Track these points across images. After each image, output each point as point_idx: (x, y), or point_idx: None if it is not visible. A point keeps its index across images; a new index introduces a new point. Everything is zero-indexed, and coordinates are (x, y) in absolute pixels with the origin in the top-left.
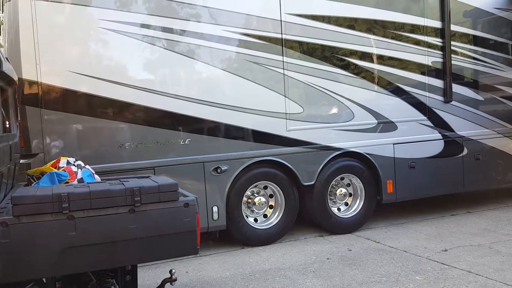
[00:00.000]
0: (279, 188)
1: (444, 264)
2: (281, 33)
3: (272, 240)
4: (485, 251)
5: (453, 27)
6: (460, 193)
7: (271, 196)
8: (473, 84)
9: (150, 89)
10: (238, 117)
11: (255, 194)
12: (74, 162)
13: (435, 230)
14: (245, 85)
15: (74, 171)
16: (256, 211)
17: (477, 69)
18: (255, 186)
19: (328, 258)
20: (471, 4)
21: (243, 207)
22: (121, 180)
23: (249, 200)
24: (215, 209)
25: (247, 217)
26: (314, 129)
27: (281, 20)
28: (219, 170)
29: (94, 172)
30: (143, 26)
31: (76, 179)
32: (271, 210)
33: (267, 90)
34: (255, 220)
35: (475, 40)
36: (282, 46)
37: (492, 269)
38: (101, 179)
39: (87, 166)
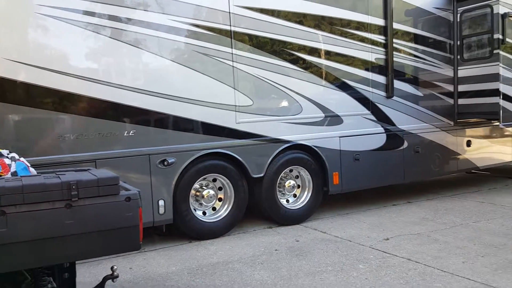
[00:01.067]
0: (228, 181)
1: (385, 252)
2: (230, 25)
3: (221, 233)
4: (423, 239)
5: (395, 25)
6: (401, 184)
7: (220, 188)
8: (413, 81)
9: (93, 79)
10: (187, 108)
11: (204, 187)
12: (8, 154)
13: (377, 219)
14: (193, 77)
15: (8, 164)
16: (205, 204)
17: (417, 66)
18: (204, 178)
19: (276, 250)
20: (413, 3)
21: (191, 200)
22: (58, 173)
23: (198, 193)
24: (161, 203)
25: (195, 211)
26: (263, 121)
27: (229, 12)
28: (165, 163)
29: (29, 165)
30: (87, 13)
31: (9, 173)
32: (220, 203)
33: (216, 82)
34: (204, 213)
35: (416, 38)
36: (231, 38)
37: (430, 256)
38: (37, 172)
39: (22, 159)
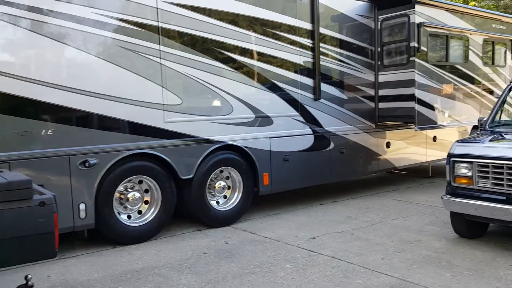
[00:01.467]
0: (155, 183)
1: (312, 251)
2: (158, 21)
3: (147, 237)
4: (347, 237)
5: (322, 30)
6: (328, 183)
7: (146, 191)
8: (339, 84)
9: (7, 73)
10: (111, 106)
11: (129, 190)
12: None
13: (305, 219)
14: (119, 73)
15: None
16: (130, 207)
17: (342, 70)
18: (129, 181)
19: (204, 253)
20: (338, 10)
21: (115, 203)
22: None
23: (122, 196)
24: (82, 206)
25: (120, 214)
26: (193, 121)
27: (157, 8)
28: (87, 164)
29: None
30: (4, 3)
31: None
32: (147, 206)
33: (143, 79)
34: (129, 217)
35: (341, 44)
36: (159, 34)
37: (353, 254)
38: None
39: None
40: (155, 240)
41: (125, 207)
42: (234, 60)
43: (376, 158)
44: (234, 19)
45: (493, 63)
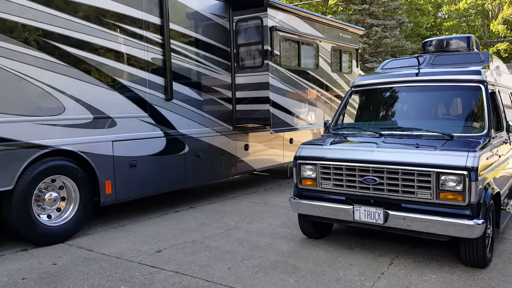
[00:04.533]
0: None
1: (154, 267)
2: None
3: None
4: (196, 247)
5: (174, 26)
6: (184, 189)
7: None
8: (195, 85)
9: None
10: None
11: None
12: None
13: (155, 229)
14: None
15: None
16: None
17: (198, 70)
18: None
19: (23, 278)
20: (190, 6)
21: None
22: None
23: None
24: None
25: None
26: (10, 122)
27: None
28: None
29: None
30: None
31: None
32: None
33: None
34: None
35: (196, 43)
36: None
37: (199, 266)
38: None
39: None
40: None
41: None
42: (66, 53)
43: (234, 161)
44: (63, 4)
45: (340, 70)
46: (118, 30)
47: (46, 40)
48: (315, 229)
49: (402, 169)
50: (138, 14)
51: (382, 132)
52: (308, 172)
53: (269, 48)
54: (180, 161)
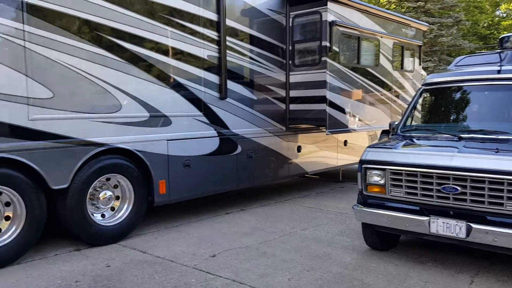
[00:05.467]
0: (17, 195)
1: (209, 273)
2: None
3: (7, 262)
4: (252, 253)
5: (230, 23)
6: (234, 190)
7: (7, 204)
8: (248, 83)
9: None
10: None
11: None
12: None
13: (208, 231)
14: None
15: None
16: None
17: (252, 68)
18: None
19: (77, 281)
20: (247, 1)
21: None
22: None
23: None
24: None
25: None
26: (68, 119)
27: None
28: None
29: None
30: None
31: None
32: (8, 223)
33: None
34: None
35: (251, 39)
36: (22, 11)
37: (257, 275)
38: None
39: None
40: (17, 265)
41: None
42: (125, 49)
43: (286, 162)
44: (125, 0)
45: (402, 68)
46: (177, 26)
47: (104, 35)
48: (381, 240)
49: (489, 178)
50: (196, 10)
51: (462, 135)
52: (375, 177)
53: (328, 44)
54: (233, 162)
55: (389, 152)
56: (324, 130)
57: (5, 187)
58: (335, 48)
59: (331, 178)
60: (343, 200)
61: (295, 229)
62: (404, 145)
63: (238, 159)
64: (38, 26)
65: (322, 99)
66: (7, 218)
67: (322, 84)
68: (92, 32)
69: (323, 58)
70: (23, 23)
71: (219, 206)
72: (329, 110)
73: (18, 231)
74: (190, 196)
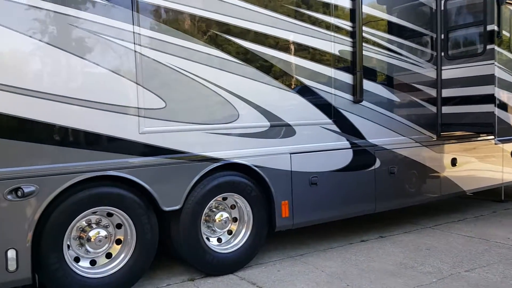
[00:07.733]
0: (127, 216)
1: None
2: None
3: None
4: None
5: (366, 9)
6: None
7: (119, 226)
8: (389, 82)
9: None
10: (57, 110)
11: (93, 225)
12: None
13: (341, 266)
14: (71, 63)
15: None
16: (93, 250)
17: (393, 63)
18: (94, 212)
19: None
20: None
21: (73, 245)
22: None
23: (83, 235)
24: (11, 254)
25: (74, 262)
26: (181, 131)
27: None
28: (20, 193)
29: None
30: None
31: None
32: (119, 247)
33: (107, 72)
34: (93, 263)
35: (392, 28)
36: (133, 10)
37: None
38: None
39: None
40: None
41: (87, 251)
42: (242, 49)
43: (438, 179)
44: None
45: None
46: (301, 18)
47: (219, 33)
48: None
49: None
50: None
51: None
52: None
53: (496, 28)
54: (370, 179)
55: None
56: (489, 138)
57: (115, 209)
58: (505, 32)
59: (489, 197)
60: None
61: (457, 268)
62: None
63: (376, 175)
64: (150, 27)
65: (489, 99)
66: (118, 241)
67: (489, 80)
68: (205, 31)
69: (490, 46)
70: (133, 24)
71: (351, 229)
72: (499, 112)
73: (127, 257)
74: (317, 220)
